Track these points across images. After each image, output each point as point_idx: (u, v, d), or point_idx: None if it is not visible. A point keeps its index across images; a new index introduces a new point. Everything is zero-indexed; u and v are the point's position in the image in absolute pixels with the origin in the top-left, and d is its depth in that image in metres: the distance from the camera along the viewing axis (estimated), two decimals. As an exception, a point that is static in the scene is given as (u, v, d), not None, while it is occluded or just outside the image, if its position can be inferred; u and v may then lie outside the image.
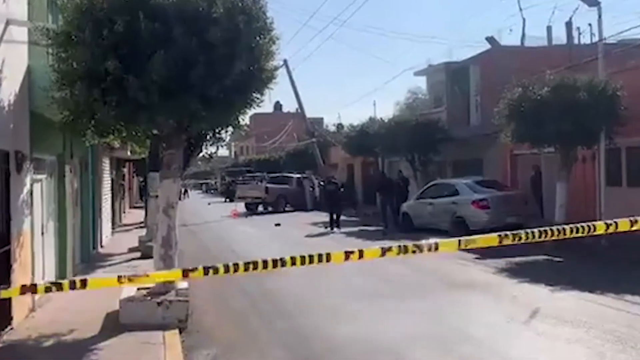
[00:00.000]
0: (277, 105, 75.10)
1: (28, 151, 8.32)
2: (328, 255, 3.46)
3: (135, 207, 34.29)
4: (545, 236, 3.75)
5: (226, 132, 9.20)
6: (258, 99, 8.29)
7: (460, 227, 17.07)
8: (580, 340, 6.86)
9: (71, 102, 7.59)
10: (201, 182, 74.31)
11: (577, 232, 3.66)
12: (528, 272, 11.52)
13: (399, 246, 3.58)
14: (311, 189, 32.77)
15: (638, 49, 17.07)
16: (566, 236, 3.72)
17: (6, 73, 7.46)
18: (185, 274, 3.22)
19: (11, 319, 7.52)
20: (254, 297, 10.07)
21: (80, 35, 7.19)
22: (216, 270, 3.26)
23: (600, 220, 14.21)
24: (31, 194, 8.62)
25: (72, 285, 2.95)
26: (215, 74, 7.34)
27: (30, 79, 8.50)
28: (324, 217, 24.93)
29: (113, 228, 20.68)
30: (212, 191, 65.87)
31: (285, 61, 32.23)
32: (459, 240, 3.61)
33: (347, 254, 3.47)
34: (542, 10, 76.77)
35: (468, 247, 3.71)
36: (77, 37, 7.26)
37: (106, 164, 19.03)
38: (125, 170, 29.33)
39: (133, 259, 14.08)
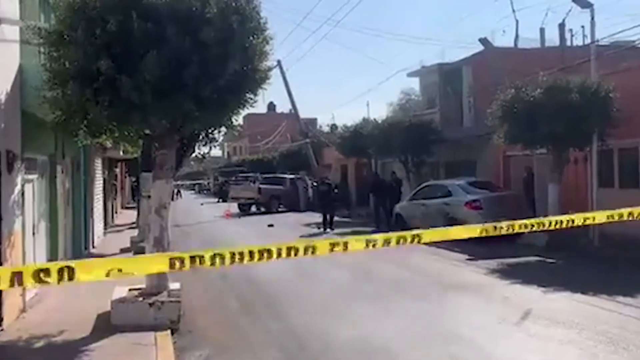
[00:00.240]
0: (271, 106, 75.05)
1: (19, 151, 8.27)
2: (314, 247, 3.49)
3: (127, 208, 34.16)
4: (526, 228, 3.84)
5: (219, 132, 9.16)
6: (252, 99, 8.26)
7: (453, 228, 17.13)
8: (573, 341, 6.87)
9: (63, 102, 7.54)
10: (194, 182, 74.16)
11: (557, 225, 3.73)
12: (520, 273, 11.55)
13: (384, 239, 3.65)
14: (304, 189, 32.74)
15: (630, 51, 17.15)
16: (544, 227, 3.79)
17: (-3, 72, 7.42)
18: (172, 263, 3.20)
19: (1, 320, 7.47)
20: (247, 298, 10.05)
21: (73, 34, 7.14)
22: (202, 260, 3.27)
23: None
24: (22, 194, 8.57)
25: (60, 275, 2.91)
26: (208, 74, 7.31)
27: (22, 78, 8.45)
28: (317, 217, 24.92)
29: (105, 228, 20.59)
30: (205, 191, 65.76)
31: (279, 61, 32.26)
32: (440, 231, 3.66)
33: (332, 245, 3.52)
34: (535, 12, 77.32)
35: (451, 237, 3.77)
36: (69, 36, 7.22)
37: (98, 164, 18.95)
38: (118, 170, 29.23)
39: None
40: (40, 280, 2.97)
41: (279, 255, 3.46)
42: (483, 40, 24.29)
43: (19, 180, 8.30)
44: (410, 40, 74.57)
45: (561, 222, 3.79)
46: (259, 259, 3.50)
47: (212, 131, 8.97)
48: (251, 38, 7.74)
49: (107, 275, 3.15)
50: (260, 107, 10.41)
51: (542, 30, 27.74)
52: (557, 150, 15.00)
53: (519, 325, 7.75)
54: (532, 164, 18.22)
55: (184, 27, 7.11)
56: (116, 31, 6.94)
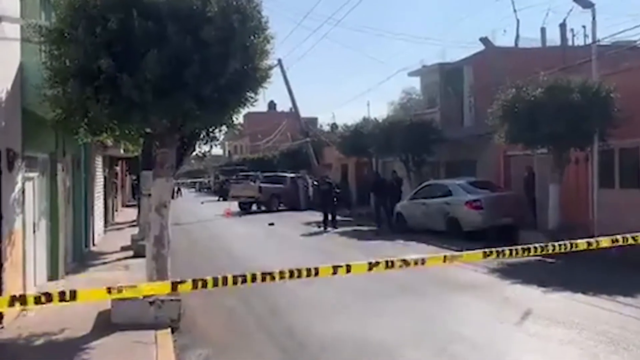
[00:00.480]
0: (271, 105, 75.07)
1: (20, 149, 8.27)
2: (316, 269, 3.43)
3: (127, 206, 34.17)
4: (529, 253, 3.79)
5: (220, 131, 9.16)
6: (252, 98, 8.26)
7: (453, 228, 17.13)
8: (573, 341, 6.87)
9: (64, 100, 7.54)
10: (194, 180, 74.18)
11: (561, 248, 3.72)
12: (520, 273, 11.53)
13: (386, 261, 3.57)
14: (305, 188, 32.75)
15: (631, 51, 17.14)
16: (548, 252, 3.74)
17: (-2, 70, 7.42)
18: (174, 286, 3.16)
19: (1, 317, 7.47)
20: (246, 297, 10.04)
21: (73, 32, 7.14)
22: (205, 284, 3.21)
23: (593, 221, 14.29)
24: (23, 192, 8.56)
25: (62, 297, 2.86)
26: (209, 73, 7.31)
27: (22, 76, 8.44)
28: (318, 216, 24.92)
29: (105, 226, 20.60)
30: (205, 190, 65.77)
31: (279, 60, 32.24)
32: (444, 256, 3.63)
33: (335, 268, 3.44)
34: (536, 12, 77.25)
35: (454, 262, 3.72)
36: (70, 35, 7.21)
37: (99, 162, 18.95)
38: (118, 168, 29.23)
39: (125, 257, 14.02)
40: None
41: (282, 278, 3.41)
42: (484, 40, 24.26)
43: (19, 178, 8.30)
44: (411, 40, 74.67)
45: (565, 245, 3.79)
46: (262, 281, 3.43)
47: (213, 130, 8.96)
48: (252, 37, 7.73)
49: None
50: (260, 106, 10.40)
51: (543, 30, 27.73)
52: (557, 150, 14.99)
53: (519, 325, 7.75)
54: (533, 164, 18.21)
55: (185, 26, 7.11)
56: (117, 29, 6.94)
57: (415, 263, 3.56)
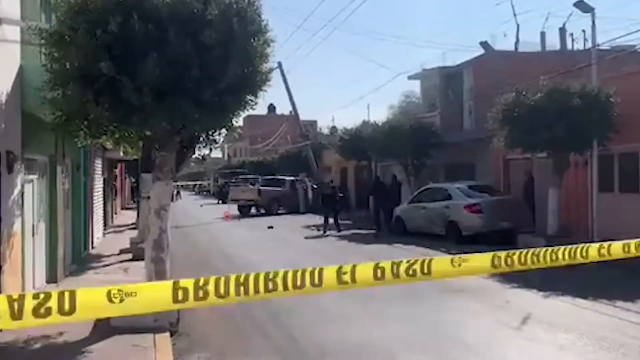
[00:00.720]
0: (271, 108, 75.10)
1: (19, 151, 8.26)
2: (320, 272, 3.29)
3: (126, 208, 34.15)
4: (538, 262, 3.65)
5: (219, 134, 9.15)
6: (252, 101, 8.25)
7: (452, 232, 17.12)
8: (573, 346, 6.86)
9: (64, 103, 7.53)
10: (194, 183, 74.15)
11: (577, 255, 3.56)
12: (520, 277, 11.44)
13: (392, 268, 3.45)
14: (304, 191, 32.74)
15: (631, 56, 17.17)
16: (559, 261, 3.62)
17: (-2, 72, 7.42)
18: (175, 299, 3.08)
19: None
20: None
21: (74, 35, 7.13)
22: (206, 293, 3.12)
23: (592, 225, 14.30)
24: (22, 194, 8.55)
25: (61, 309, 2.77)
26: (209, 76, 7.30)
27: (22, 79, 8.44)
28: (317, 220, 24.91)
29: (105, 229, 20.58)
30: (204, 193, 65.70)
31: (279, 63, 32.27)
32: (452, 259, 3.58)
33: (340, 273, 3.31)
34: (536, 16, 77.32)
35: (461, 266, 3.62)
36: (70, 37, 7.20)
37: (98, 165, 18.94)
38: (117, 170, 29.21)
39: (124, 260, 14.00)
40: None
41: (285, 289, 3.26)
42: (484, 44, 24.28)
43: (19, 180, 8.30)
44: (411, 43, 74.69)
45: (574, 253, 3.68)
46: (266, 293, 3.30)
47: (213, 133, 8.94)
48: (252, 40, 7.73)
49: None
50: (260, 109, 10.40)
51: (542, 34, 27.72)
52: (557, 155, 15.00)
53: (519, 330, 7.74)
54: (532, 168, 18.22)
55: (185, 29, 7.10)
56: (117, 32, 6.93)
57: (422, 271, 3.47)
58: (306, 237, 20.17)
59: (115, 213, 27.84)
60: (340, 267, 3.34)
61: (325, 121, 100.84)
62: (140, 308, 3.00)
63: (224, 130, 9.02)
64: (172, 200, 9.84)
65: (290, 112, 40.48)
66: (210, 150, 9.54)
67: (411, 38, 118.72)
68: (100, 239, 18.30)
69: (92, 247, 16.27)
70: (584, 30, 24.60)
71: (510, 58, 22.91)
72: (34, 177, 9.72)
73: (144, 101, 7.14)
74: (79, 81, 7.23)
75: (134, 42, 6.98)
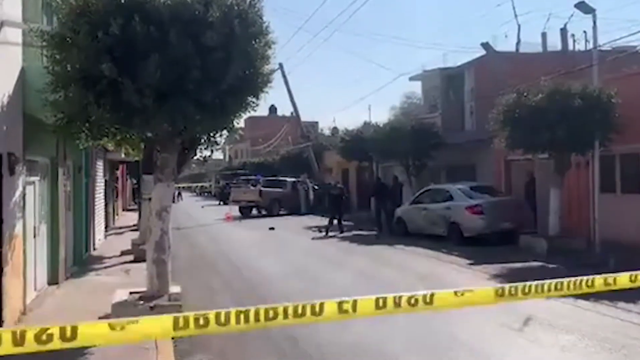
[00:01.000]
0: (272, 109, 75.15)
1: (21, 153, 8.27)
2: (321, 305, 3.23)
3: (128, 210, 34.17)
4: (547, 290, 3.53)
5: (221, 135, 9.16)
6: (253, 102, 8.26)
7: (454, 233, 17.12)
8: (575, 347, 6.85)
9: (65, 105, 7.54)
10: (195, 184, 74.17)
11: (583, 285, 3.46)
12: (522, 278, 11.40)
13: (394, 298, 3.39)
14: (305, 192, 32.74)
15: (632, 56, 17.16)
16: (565, 291, 3.53)
17: (0, 74, 7.41)
18: (176, 326, 3.05)
19: (1, 322, 7.46)
20: (247, 303, 10.02)
21: (75, 37, 7.14)
22: (207, 321, 3.08)
23: (594, 226, 14.28)
24: (24, 196, 8.56)
25: (63, 335, 2.75)
26: (210, 78, 7.31)
27: (24, 81, 8.45)
28: (319, 221, 24.93)
29: (106, 231, 20.59)
30: (206, 194, 65.73)
31: (280, 65, 32.27)
32: (455, 292, 3.51)
33: (341, 305, 3.25)
34: (537, 17, 77.37)
35: (464, 296, 3.54)
36: (71, 39, 7.21)
37: (99, 166, 18.95)
38: (119, 172, 29.24)
39: (126, 262, 14.01)
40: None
41: (286, 317, 3.19)
42: (485, 45, 24.27)
43: (20, 182, 8.30)
44: (412, 45, 74.73)
45: (580, 283, 3.61)
46: (266, 321, 3.24)
47: (214, 134, 8.95)
48: (253, 42, 7.74)
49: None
50: (261, 110, 10.40)
51: (544, 35, 27.73)
52: (558, 155, 14.99)
53: (520, 331, 7.73)
54: (534, 169, 18.22)
55: (186, 31, 7.12)
56: (118, 34, 6.94)
57: (424, 301, 3.41)
58: (307, 238, 20.17)
59: (117, 214, 27.86)
60: (341, 302, 3.30)
61: (326, 122, 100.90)
62: (142, 336, 2.98)
63: (225, 132, 9.03)
64: (173, 202, 9.84)
65: (292, 113, 40.50)
66: (212, 151, 9.54)
67: (412, 39, 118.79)
68: (101, 241, 18.31)
69: (94, 249, 16.28)
70: (585, 31, 24.62)
71: (512, 59, 22.91)
72: (35, 178, 9.73)
73: (145, 103, 7.15)
74: (81, 83, 7.24)
75: (135, 43, 6.99)
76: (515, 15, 50.63)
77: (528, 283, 3.56)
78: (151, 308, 7.82)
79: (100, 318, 8.14)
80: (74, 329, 2.71)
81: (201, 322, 3.05)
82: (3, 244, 7.47)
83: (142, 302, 8.03)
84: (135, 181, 29.05)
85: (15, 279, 8.06)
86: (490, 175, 20.55)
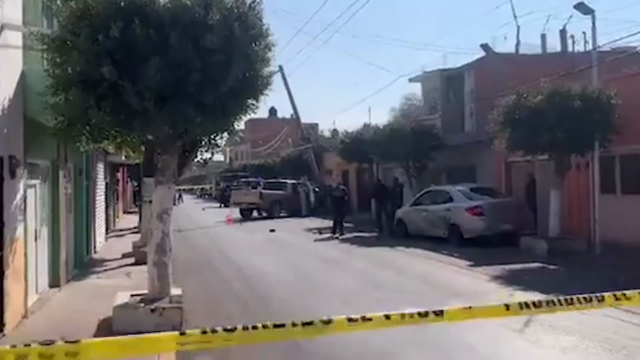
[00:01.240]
0: (272, 111, 75.18)
1: (22, 156, 8.28)
2: (330, 321, 3.22)
3: (128, 212, 34.17)
4: (554, 305, 3.46)
5: (221, 138, 9.18)
6: (253, 105, 8.28)
7: (454, 234, 17.12)
8: (575, 348, 6.86)
9: (66, 108, 7.56)
10: (196, 187, 74.19)
11: (589, 302, 3.41)
12: (522, 279, 11.53)
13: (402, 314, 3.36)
14: (306, 194, 32.75)
15: (632, 57, 17.16)
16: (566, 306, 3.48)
17: (0, 78, 7.43)
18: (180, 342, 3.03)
19: (3, 325, 7.46)
20: (249, 304, 10.05)
21: (76, 40, 7.16)
22: (214, 331, 3.06)
23: (594, 227, 14.29)
24: (25, 199, 8.57)
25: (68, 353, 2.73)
26: (210, 81, 7.33)
27: (24, 84, 8.46)
28: (319, 222, 24.94)
29: (107, 233, 20.59)
30: (206, 196, 65.74)
31: (280, 67, 32.31)
32: (453, 311, 3.46)
33: (350, 320, 3.24)
34: (537, 18, 77.38)
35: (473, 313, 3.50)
36: (72, 42, 7.24)
37: (100, 169, 18.97)
38: (119, 175, 29.25)
39: (127, 264, 14.02)
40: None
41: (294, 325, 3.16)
42: (484, 46, 24.32)
43: (21, 185, 8.32)
44: (412, 46, 74.77)
45: (590, 299, 3.56)
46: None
47: (214, 137, 8.98)
48: (253, 45, 7.77)
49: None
50: (261, 112, 10.45)
51: (543, 37, 27.77)
52: (558, 157, 14.99)
53: (521, 332, 7.73)
54: (534, 170, 18.22)
55: (187, 34, 7.14)
56: (119, 37, 6.97)
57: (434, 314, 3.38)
58: (308, 240, 20.18)
59: (117, 217, 27.87)
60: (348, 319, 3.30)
61: (326, 124, 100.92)
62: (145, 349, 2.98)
63: (225, 134, 9.06)
64: (174, 204, 9.86)
65: (292, 115, 40.52)
66: (212, 153, 9.56)
67: (411, 41, 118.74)
68: (102, 243, 18.32)
69: (95, 252, 16.29)
70: (584, 32, 24.66)
71: (511, 60, 22.93)
72: (36, 181, 9.74)
73: (145, 105, 7.17)
74: (81, 86, 7.26)
75: (136, 46, 7.01)
76: (515, 17, 50.64)
77: (537, 299, 3.51)
78: (152, 311, 7.83)
79: (101, 321, 8.16)
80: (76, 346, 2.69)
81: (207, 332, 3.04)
82: (4, 247, 7.48)
83: (143, 304, 8.04)
84: (136, 184, 29.07)
85: (17, 282, 8.07)
86: (491, 176, 20.56)
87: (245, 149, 76.88)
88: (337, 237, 20.35)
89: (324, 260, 15.27)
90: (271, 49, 7.99)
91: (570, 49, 25.40)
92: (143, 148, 10.33)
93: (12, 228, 7.81)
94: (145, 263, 9.43)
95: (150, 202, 9.89)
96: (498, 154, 18.73)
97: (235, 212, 31.98)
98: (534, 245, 14.99)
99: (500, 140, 15.38)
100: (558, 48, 25.81)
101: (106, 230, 20.63)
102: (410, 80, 29.08)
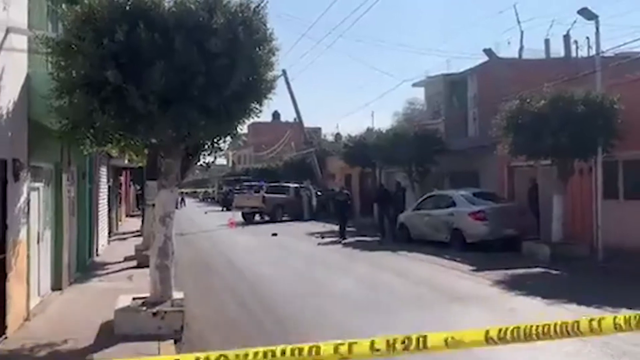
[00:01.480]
0: (275, 115, 75.23)
1: (26, 159, 8.31)
2: (317, 347, 3.14)
3: (131, 216, 34.20)
4: (551, 332, 3.35)
5: (224, 141, 9.20)
6: (257, 109, 8.30)
7: (457, 239, 17.10)
8: (578, 353, 6.84)
9: (70, 111, 7.58)
10: (198, 190, 74.21)
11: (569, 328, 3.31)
12: (525, 284, 11.51)
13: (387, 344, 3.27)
14: (308, 198, 32.76)
15: (635, 62, 17.15)
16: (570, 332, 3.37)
17: (5, 81, 7.46)
18: None
19: (5, 328, 7.47)
20: (250, 308, 10.04)
21: (80, 44, 7.19)
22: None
23: (597, 232, 14.26)
24: (28, 202, 8.59)
25: None
26: (214, 84, 7.35)
27: (29, 87, 8.50)
28: (321, 227, 24.93)
29: (109, 236, 20.61)
30: (209, 200, 65.76)
31: (284, 71, 32.36)
32: (445, 340, 3.38)
33: (337, 347, 3.17)
34: (540, 23, 77.35)
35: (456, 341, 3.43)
36: (76, 46, 7.26)
37: (103, 172, 19.00)
38: (122, 178, 29.28)
39: (129, 267, 14.03)
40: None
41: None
42: (488, 51, 24.29)
43: (25, 188, 8.34)
44: (415, 51, 74.87)
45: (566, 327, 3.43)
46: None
47: (218, 140, 8.99)
48: (257, 49, 7.78)
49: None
50: (265, 116, 10.44)
51: (547, 42, 27.75)
52: (561, 162, 14.98)
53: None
54: (537, 175, 18.21)
55: (191, 37, 7.16)
56: (123, 41, 6.99)
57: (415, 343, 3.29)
58: (310, 244, 20.17)
59: (120, 220, 27.88)
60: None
61: (329, 128, 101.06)
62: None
63: (228, 138, 9.08)
64: (176, 208, 9.87)
65: (295, 119, 40.55)
66: (215, 157, 9.60)
67: (415, 45, 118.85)
68: (105, 247, 18.34)
69: (97, 255, 16.30)
70: (588, 37, 24.61)
71: (514, 65, 22.91)
72: (39, 184, 9.77)
73: (149, 109, 7.19)
74: (85, 89, 7.28)
75: (140, 50, 7.04)
76: (519, 22, 50.44)
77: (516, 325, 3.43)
78: (154, 314, 7.84)
79: (103, 324, 8.17)
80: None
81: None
82: (7, 250, 7.50)
83: (145, 308, 8.04)
84: (138, 187, 29.11)
85: (19, 285, 8.08)
86: (493, 181, 20.54)
87: (248, 153, 76.93)
88: (340, 242, 20.34)
89: (327, 265, 15.26)
90: (275, 53, 8.01)
91: (573, 54, 25.40)
92: (146, 151, 10.37)
93: (15, 231, 7.83)
94: (147, 266, 9.44)
95: (153, 205, 9.90)
96: (501, 159, 18.72)
97: (237, 216, 32.00)
98: (537, 250, 14.96)
99: (503, 145, 15.37)
100: (561, 53, 25.81)
101: (109, 233, 20.65)
102: (414, 85, 29.10)
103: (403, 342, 3.24)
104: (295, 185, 34.35)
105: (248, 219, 32.15)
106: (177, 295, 8.52)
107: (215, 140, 8.84)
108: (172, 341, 7.49)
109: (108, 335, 7.70)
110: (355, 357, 3.13)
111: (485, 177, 21.15)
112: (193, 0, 7.38)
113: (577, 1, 33.72)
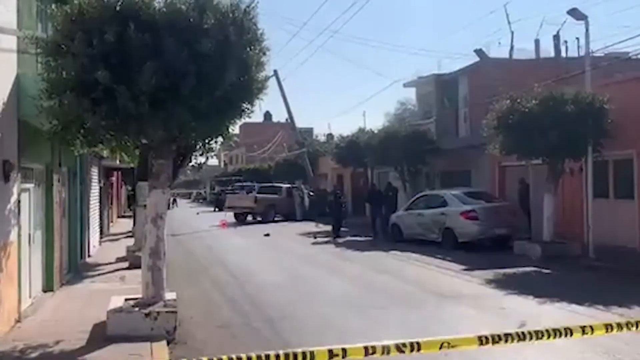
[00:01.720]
0: (267, 115, 75.21)
1: (16, 160, 8.26)
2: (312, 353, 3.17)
3: (123, 217, 34.08)
4: (541, 336, 3.44)
5: (216, 142, 9.18)
6: (248, 109, 8.29)
7: (449, 238, 17.16)
8: (569, 352, 6.88)
9: (60, 112, 7.54)
10: (190, 191, 74.06)
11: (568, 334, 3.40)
12: (516, 283, 11.56)
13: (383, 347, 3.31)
14: (301, 199, 32.76)
15: (625, 62, 17.28)
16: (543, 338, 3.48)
17: (-5, 82, 7.43)
18: None
19: (-4, 330, 7.44)
20: (243, 309, 10.03)
21: (70, 44, 7.16)
22: None
23: (587, 231, 14.34)
24: (18, 203, 8.55)
25: None
26: (205, 85, 7.34)
27: (19, 88, 8.45)
28: (313, 227, 24.93)
29: (101, 237, 20.53)
30: (201, 200, 65.64)
31: (275, 71, 32.35)
32: (441, 343, 3.45)
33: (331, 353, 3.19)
34: (531, 24, 77.73)
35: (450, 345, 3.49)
36: (66, 47, 7.23)
37: (94, 173, 18.92)
38: (114, 179, 29.18)
39: (121, 268, 13.98)
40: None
41: None
42: (478, 52, 24.39)
43: (15, 189, 8.30)
44: (407, 51, 74.97)
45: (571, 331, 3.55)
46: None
47: (209, 141, 8.97)
48: (248, 49, 7.77)
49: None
50: (256, 117, 10.44)
51: (537, 42, 27.88)
52: (552, 161, 15.06)
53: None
54: (528, 175, 18.29)
55: (181, 38, 7.14)
56: (113, 42, 6.97)
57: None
58: (303, 244, 20.17)
59: (112, 221, 27.78)
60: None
61: (321, 128, 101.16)
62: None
63: (220, 138, 9.05)
64: (168, 208, 9.84)
65: (287, 119, 40.51)
66: (207, 158, 9.57)
67: (406, 46, 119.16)
68: (96, 248, 18.26)
69: (89, 256, 16.23)
70: (577, 38, 24.78)
71: (505, 65, 23.02)
72: (30, 185, 9.72)
73: (140, 110, 7.17)
74: (76, 90, 7.25)
75: (131, 51, 7.02)
76: (509, 22, 50.60)
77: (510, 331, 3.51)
78: (146, 315, 7.81)
79: (95, 325, 8.13)
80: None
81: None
82: (-2, 251, 7.46)
83: (137, 309, 8.02)
84: (130, 188, 29.01)
85: (10, 287, 8.04)
86: (485, 181, 20.63)
87: (240, 153, 76.83)
88: (332, 241, 20.36)
89: (319, 265, 15.27)
90: (266, 53, 8.01)
91: (563, 54, 25.54)
92: (137, 152, 10.33)
93: (5, 232, 7.79)
94: (139, 267, 9.40)
95: (145, 206, 9.87)
96: (492, 159, 18.80)
97: (229, 217, 31.95)
98: (528, 249, 15.03)
99: (494, 144, 15.42)
100: (552, 53, 25.95)
101: (100, 234, 20.57)
102: (405, 85, 29.16)
103: (397, 347, 3.29)
104: (288, 185, 34.35)
105: (240, 220, 32.11)
106: (169, 296, 8.50)
107: (206, 140, 8.82)
108: (164, 342, 7.47)
109: (100, 336, 7.67)
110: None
111: (476, 177, 21.23)
112: (183, 1, 7.38)
113: (568, 1, 33.90)
